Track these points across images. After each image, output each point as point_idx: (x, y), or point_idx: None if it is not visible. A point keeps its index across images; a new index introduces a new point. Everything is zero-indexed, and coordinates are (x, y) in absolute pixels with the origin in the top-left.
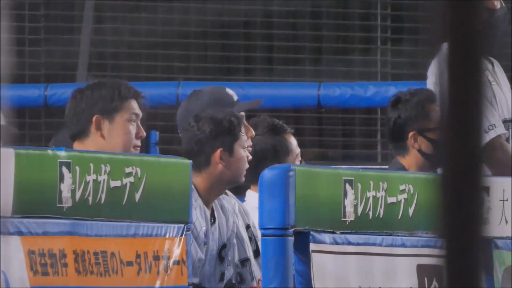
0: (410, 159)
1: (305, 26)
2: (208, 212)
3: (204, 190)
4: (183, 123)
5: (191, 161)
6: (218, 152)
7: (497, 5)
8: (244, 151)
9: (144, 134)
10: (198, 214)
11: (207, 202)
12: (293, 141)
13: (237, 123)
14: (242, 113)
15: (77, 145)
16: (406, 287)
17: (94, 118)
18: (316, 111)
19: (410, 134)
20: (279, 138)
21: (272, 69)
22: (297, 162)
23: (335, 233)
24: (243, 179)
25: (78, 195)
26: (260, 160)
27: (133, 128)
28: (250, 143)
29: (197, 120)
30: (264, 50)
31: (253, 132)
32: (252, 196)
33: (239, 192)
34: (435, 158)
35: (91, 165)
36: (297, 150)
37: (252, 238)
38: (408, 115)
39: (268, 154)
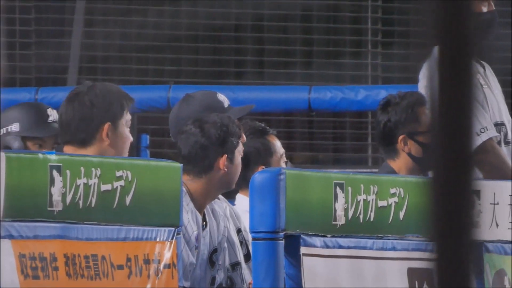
0: (400, 162)
1: (296, 30)
2: (200, 217)
3: (200, 195)
4: (177, 128)
5: (191, 165)
6: (223, 158)
7: (484, 8)
8: (240, 157)
9: (132, 138)
10: (190, 218)
11: (200, 206)
12: (276, 143)
13: (238, 129)
14: None
15: (74, 151)
16: None
17: (106, 126)
18: (306, 115)
19: (400, 137)
20: (262, 140)
21: (263, 73)
22: (282, 163)
23: (326, 236)
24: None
25: (68, 198)
26: (245, 163)
27: (129, 133)
28: (242, 148)
29: (201, 125)
30: (255, 53)
31: (245, 138)
32: (242, 200)
33: (228, 196)
34: (425, 162)
35: (82, 168)
36: (280, 151)
37: (243, 242)
38: (398, 119)
39: (252, 157)
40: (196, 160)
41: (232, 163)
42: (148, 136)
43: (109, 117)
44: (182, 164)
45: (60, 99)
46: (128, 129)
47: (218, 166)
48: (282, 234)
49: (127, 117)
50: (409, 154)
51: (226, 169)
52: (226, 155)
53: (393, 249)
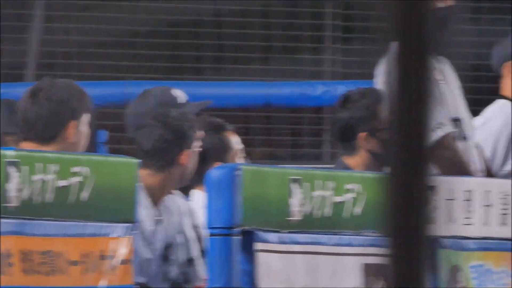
0: (358, 159)
1: (254, 25)
2: (155, 212)
3: (157, 189)
4: (134, 123)
5: (154, 160)
6: (186, 153)
7: (441, 4)
8: (197, 153)
9: None
10: (146, 213)
11: (156, 201)
12: (233, 139)
13: (196, 125)
14: None
15: (34, 149)
16: (353, 286)
17: (72, 124)
18: (265, 110)
19: (361, 134)
20: (219, 136)
21: (222, 68)
22: (240, 159)
23: (282, 232)
24: None
25: (25, 194)
26: (202, 159)
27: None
28: (199, 143)
29: (164, 120)
30: (213, 49)
31: (202, 133)
32: (197, 196)
33: (183, 191)
34: (385, 158)
35: (39, 164)
36: (238, 146)
37: (199, 238)
38: (359, 115)
39: (209, 152)
40: (159, 155)
41: (191, 158)
42: (106, 132)
43: (75, 115)
44: (141, 159)
45: (19, 94)
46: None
47: (180, 160)
48: (238, 230)
49: (87, 114)
50: (369, 151)
51: (187, 164)
52: (188, 150)
53: (349, 244)
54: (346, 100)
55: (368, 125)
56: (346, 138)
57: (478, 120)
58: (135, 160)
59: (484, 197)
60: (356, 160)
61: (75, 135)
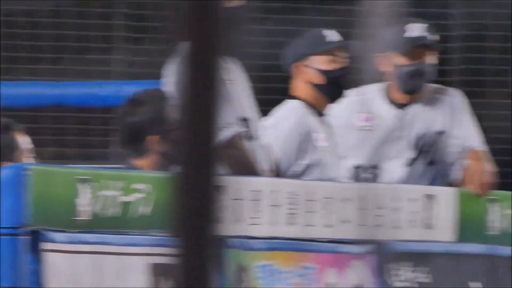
0: (148, 161)
1: (45, 25)
2: None
3: None
4: None
5: None
6: None
7: (232, 3)
8: None
9: None
10: None
11: None
12: (22, 138)
13: None
14: None
15: None
16: (139, 286)
17: None
18: (54, 110)
19: (150, 136)
20: (7, 136)
21: (12, 68)
22: (28, 159)
23: (69, 232)
24: None
25: None
26: None
27: None
28: None
29: None
30: (3, 49)
31: None
32: None
33: None
34: (175, 159)
35: None
36: (25, 147)
37: None
38: (147, 118)
39: None
40: None
41: None
42: None
43: None
44: None
45: None
46: None
47: None
48: (25, 229)
49: None
50: (159, 153)
51: None
52: None
53: (137, 244)
54: (133, 102)
55: (157, 128)
56: (135, 141)
57: (269, 120)
58: None
59: (272, 197)
60: (146, 162)
61: None
